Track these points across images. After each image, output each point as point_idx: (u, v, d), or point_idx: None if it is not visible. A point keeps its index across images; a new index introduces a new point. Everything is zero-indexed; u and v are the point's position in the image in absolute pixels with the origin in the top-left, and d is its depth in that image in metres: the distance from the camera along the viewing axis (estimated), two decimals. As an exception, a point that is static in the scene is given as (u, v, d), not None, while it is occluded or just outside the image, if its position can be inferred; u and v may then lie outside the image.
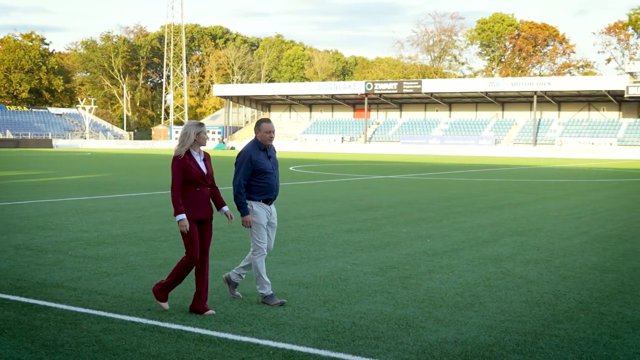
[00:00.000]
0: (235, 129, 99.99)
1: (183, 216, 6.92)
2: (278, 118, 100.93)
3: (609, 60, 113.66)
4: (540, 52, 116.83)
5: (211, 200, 7.28)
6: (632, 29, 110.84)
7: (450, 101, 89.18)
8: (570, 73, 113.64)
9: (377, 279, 8.87)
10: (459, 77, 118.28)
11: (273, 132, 7.59)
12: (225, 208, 7.36)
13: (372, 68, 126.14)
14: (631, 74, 74.17)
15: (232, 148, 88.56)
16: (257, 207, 7.51)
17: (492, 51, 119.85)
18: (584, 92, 78.52)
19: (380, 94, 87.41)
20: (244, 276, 7.81)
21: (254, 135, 7.66)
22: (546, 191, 23.97)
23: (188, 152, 7.06)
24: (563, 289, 8.42)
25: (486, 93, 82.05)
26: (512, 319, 6.96)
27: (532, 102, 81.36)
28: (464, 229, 13.81)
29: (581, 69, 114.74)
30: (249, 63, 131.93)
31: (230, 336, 6.25)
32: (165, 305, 7.10)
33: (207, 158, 7.25)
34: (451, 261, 10.18)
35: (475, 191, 23.58)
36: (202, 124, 7.19)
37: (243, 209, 7.44)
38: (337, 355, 5.77)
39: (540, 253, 11.04)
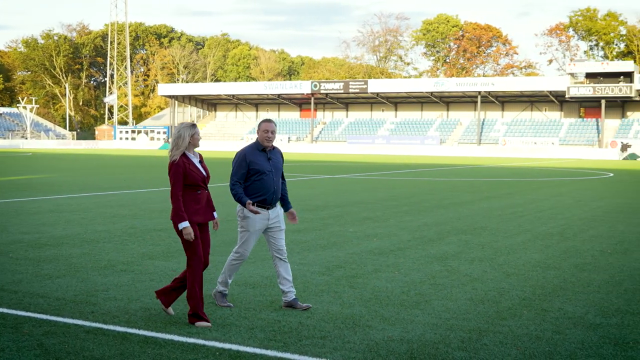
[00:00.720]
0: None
1: (187, 223, 6.63)
2: (224, 118, 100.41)
3: (550, 62, 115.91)
4: (484, 52, 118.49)
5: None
6: (573, 30, 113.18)
7: (396, 101, 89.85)
8: (513, 74, 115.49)
9: (324, 278, 8.88)
10: (405, 77, 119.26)
11: (272, 132, 7.29)
12: (215, 214, 7.06)
13: (318, 68, 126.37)
14: (572, 74, 75.71)
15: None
16: (248, 212, 7.26)
17: (437, 52, 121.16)
18: (527, 93, 79.88)
19: (327, 94, 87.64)
20: (292, 289, 7.39)
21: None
22: (490, 190, 24.31)
23: (184, 155, 6.78)
24: (507, 286, 8.55)
25: (431, 93, 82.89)
26: (457, 317, 7.03)
27: (476, 102, 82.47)
28: (410, 228, 13.92)
29: (524, 69, 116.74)
30: (195, 62, 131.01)
31: (176, 338, 6.19)
32: (205, 323, 6.65)
33: (202, 160, 7.01)
34: (397, 260, 10.25)
35: (421, 190, 23.80)
36: (194, 125, 6.92)
37: (242, 198, 7.20)
38: (284, 355, 5.76)
39: (484, 251, 11.19)
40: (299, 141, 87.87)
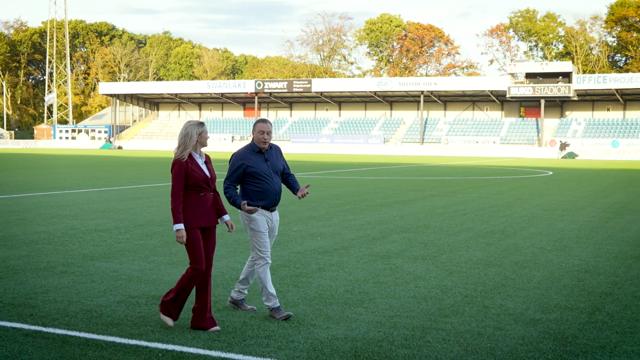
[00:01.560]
0: (123, 128, 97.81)
1: (181, 226, 6.35)
2: (167, 117, 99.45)
3: (491, 62, 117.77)
4: (427, 52, 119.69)
5: None
6: (513, 31, 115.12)
7: (340, 100, 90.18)
8: (455, 73, 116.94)
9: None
10: (348, 76, 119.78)
11: (267, 133, 7.00)
12: (226, 217, 6.76)
13: (262, 67, 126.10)
14: (512, 74, 76.98)
15: (120, 147, 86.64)
16: (256, 214, 6.98)
17: (380, 51, 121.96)
18: (469, 92, 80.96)
19: (271, 93, 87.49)
20: (245, 291, 7.26)
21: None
22: (433, 189, 24.56)
23: (189, 155, 6.52)
24: (449, 283, 8.64)
25: (375, 93, 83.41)
26: (401, 315, 7.08)
27: (419, 101, 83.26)
28: (353, 226, 13.97)
29: (466, 69, 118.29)
30: (136, 61, 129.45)
31: (117, 340, 6.09)
32: (169, 321, 6.50)
33: (208, 160, 6.69)
34: (341, 258, 10.27)
35: (364, 189, 23.92)
36: (202, 123, 6.63)
37: (236, 200, 6.94)
38: (228, 356, 5.73)
39: (427, 249, 11.30)
40: (243, 140, 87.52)
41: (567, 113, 79.76)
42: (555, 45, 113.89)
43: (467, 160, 57.76)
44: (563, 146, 70.53)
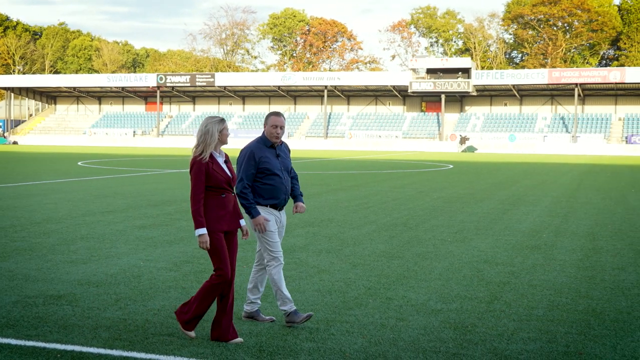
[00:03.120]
0: (18, 123, 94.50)
1: (204, 230, 5.94)
2: (65, 111, 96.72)
3: (393, 57, 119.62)
4: (330, 47, 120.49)
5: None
6: (414, 27, 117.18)
7: (244, 95, 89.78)
8: (358, 68, 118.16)
9: (171, 274, 8.73)
10: (252, 71, 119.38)
11: (281, 127, 6.58)
12: (242, 221, 6.32)
13: (164, 60, 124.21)
14: (414, 70, 78.32)
15: (15, 142, 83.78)
16: (265, 213, 6.56)
17: (284, 46, 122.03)
18: (372, 87, 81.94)
19: (173, 87, 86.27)
20: (259, 301, 6.82)
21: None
22: (337, 182, 24.76)
23: (211, 155, 6.05)
24: (353, 276, 8.72)
25: (279, 87, 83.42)
26: (305, 308, 7.10)
27: (323, 96, 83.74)
28: (258, 221, 13.91)
29: (368, 64, 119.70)
30: (32, 53, 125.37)
31: (13, 341, 5.88)
32: (192, 333, 6.09)
33: (227, 160, 6.22)
34: (245, 253, 10.23)
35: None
36: (223, 120, 6.12)
37: (253, 210, 6.46)
38: (130, 354, 5.62)
39: (331, 243, 11.37)
40: (145, 135, 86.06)
41: (466, 108, 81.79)
42: (454, 42, 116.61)
43: (370, 154, 58.48)
44: (463, 140, 72.32)
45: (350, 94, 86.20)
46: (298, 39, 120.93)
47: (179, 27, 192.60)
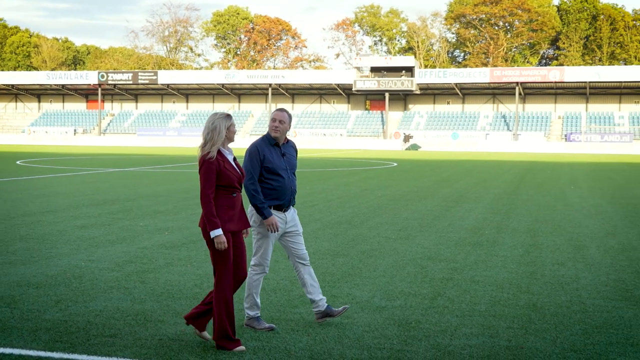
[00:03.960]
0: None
1: (219, 231, 5.69)
2: (2, 109, 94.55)
3: (338, 56, 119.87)
4: (274, 45, 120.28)
5: None
6: (358, 26, 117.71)
7: (187, 93, 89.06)
8: (302, 67, 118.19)
9: (114, 274, 8.60)
10: (196, 68, 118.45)
11: (280, 121, 6.32)
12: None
13: (105, 58, 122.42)
14: (358, 68, 78.70)
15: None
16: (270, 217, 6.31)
17: (228, 44, 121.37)
18: (316, 85, 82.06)
19: (115, 85, 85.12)
20: (318, 298, 6.61)
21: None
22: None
23: (219, 152, 5.79)
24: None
25: (223, 85, 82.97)
26: (250, 307, 7.07)
27: (267, 94, 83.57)
28: (202, 220, 13.81)
29: (313, 63, 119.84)
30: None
31: (-52, 346, 5.73)
32: (241, 347, 5.80)
33: (235, 157, 6.03)
34: (189, 253, 10.15)
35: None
36: (230, 116, 5.89)
37: (265, 211, 6.24)
38: (71, 357, 5.52)
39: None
40: (86, 133, 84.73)
41: (410, 106, 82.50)
42: (398, 40, 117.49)
43: (315, 152, 58.57)
44: (407, 138, 72.95)
45: (294, 92, 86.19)
46: (242, 36, 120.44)
47: (120, 24, 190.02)
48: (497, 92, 79.49)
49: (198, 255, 10.00)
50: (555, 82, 72.53)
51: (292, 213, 6.64)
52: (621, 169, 36.20)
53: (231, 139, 5.95)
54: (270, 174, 6.42)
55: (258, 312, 6.47)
